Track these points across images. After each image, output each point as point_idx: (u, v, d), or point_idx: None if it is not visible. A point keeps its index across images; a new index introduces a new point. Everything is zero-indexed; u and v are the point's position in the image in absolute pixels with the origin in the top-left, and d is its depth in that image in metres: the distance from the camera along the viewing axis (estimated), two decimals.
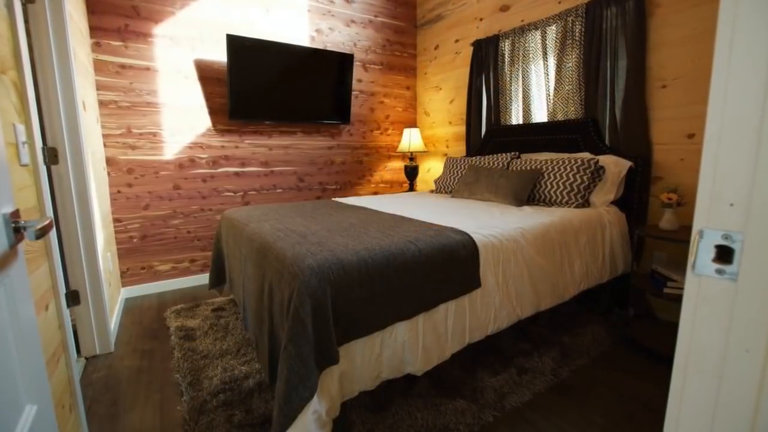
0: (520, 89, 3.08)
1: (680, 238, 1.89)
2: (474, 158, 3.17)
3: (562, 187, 2.40)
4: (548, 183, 2.47)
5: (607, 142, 2.53)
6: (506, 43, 3.12)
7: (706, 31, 2.06)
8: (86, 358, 2.03)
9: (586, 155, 2.49)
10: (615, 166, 2.35)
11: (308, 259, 1.32)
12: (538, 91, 2.99)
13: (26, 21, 1.69)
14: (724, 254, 0.52)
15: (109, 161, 2.74)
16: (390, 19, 3.97)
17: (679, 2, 2.15)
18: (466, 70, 3.53)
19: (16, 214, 0.75)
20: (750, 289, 0.50)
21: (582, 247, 2.11)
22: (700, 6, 2.07)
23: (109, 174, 2.75)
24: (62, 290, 1.38)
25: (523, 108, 3.07)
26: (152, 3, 2.79)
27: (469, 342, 1.66)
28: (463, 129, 3.70)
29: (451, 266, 1.56)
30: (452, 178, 3.22)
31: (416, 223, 1.88)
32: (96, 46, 2.63)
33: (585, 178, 2.33)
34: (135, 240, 2.89)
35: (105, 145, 2.71)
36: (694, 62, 2.12)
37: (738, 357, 0.52)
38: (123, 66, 2.73)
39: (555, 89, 2.81)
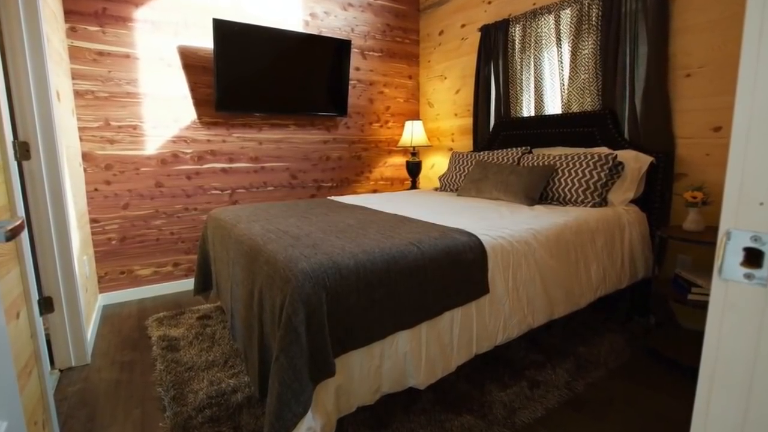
0: (532, 78, 3.08)
1: (706, 240, 1.89)
2: (482, 153, 3.17)
3: (577, 185, 2.40)
4: (562, 180, 2.47)
5: (626, 135, 2.54)
6: (517, 28, 3.12)
7: (734, 15, 2.06)
8: (60, 371, 2.03)
9: (604, 150, 2.50)
10: (635, 161, 2.35)
11: (302, 263, 1.32)
12: (551, 81, 2.99)
13: None
14: (754, 257, 0.52)
15: (86, 156, 2.74)
16: (390, 3, 3.97)
17: None
18: (473, 58, 3.53)
19: None
20: None
21: (599, 249, 2.11)
22: None
23: (85, 170, 2.75)
24: (35, 297, 1.38)
25: (535, 99, 3.07)
26: None
27: (476, 353, 1.66)
28: (469, 121, 3.70)
29: (457, 271, 1.56)
30: (458, 174, 3.22)
31: (419, 223, 1.88)
32: (71, 32, 2.63)
33: (602, 174, 2.33)
34: (114, 242, 2.89)
35: (81, 139, 2.71)
36: (720, 49, 2.12)
37: None
38: (101, 53, 2.73)
39: (570, 78, 2.81)
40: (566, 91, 2.85)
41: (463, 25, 3.69)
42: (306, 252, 1.42)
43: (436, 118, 4.13)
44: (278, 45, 3.24)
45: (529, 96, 3.14)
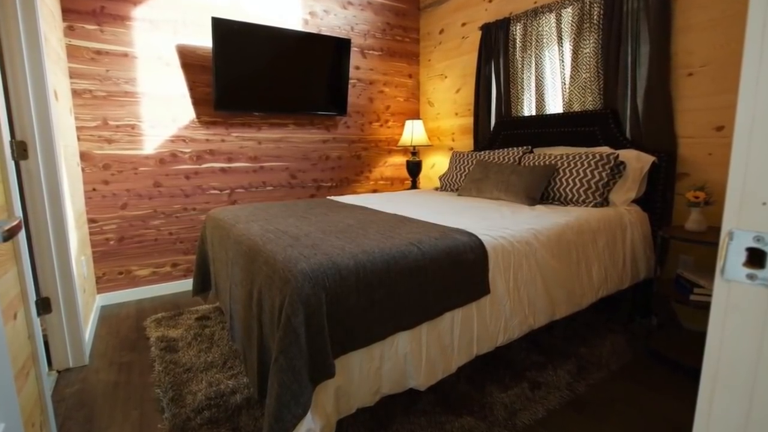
0: (533, 77, 3.08)
1: (708, 240, 1.89)
2: (482, 153, 3.17)
3: (578, 185, 2.40)
4: (564, 180, 2.47)
5: (627, 135, 2.54)
6: (518, 27, 3.12)
7: (736, 14, 2.06)
8: (58, 372, 2.03)
9: (605, 149, 2.50)
10: (636, 161, 2.35)
11: (301, 263, 1.32)
12: (552, 80, 2.99)
13: None
14: (756, 258, 0.52)
15: (84, 156, 2.74)
16: (390, 1, 3.97)
17: None
18: (474, 57, 3.53)
19: None
20: None
21: (600, 250, 2.11)
22: None
23: (83, 170, 2.75)
24: (32, 297, 1.38)
25: (536, 98, 3.07)
26: None
27: (477, 354, 1.66)
28: (470, 121, 3.70)
29: (458, 271, 1.56)
30: (458, 174, 3.22)
31: (419, 223, 1.88)
32: (69, 30, 2.63)
33: (604, 174, 2.33)
34: (112, 242, 2.89)
35: (79, 139, 2.71)
36: (723, 48, 2.12)
37: None
38: (98, 52, 2.73)
39: (571, 77, 2.81)
40: (567, 91, 2.85)
41: (463, 24, 3.69)
42: (305, 252, 1.42)
43: (436, 118, 4.13)
44: (277, 44, 3.24)
45: (530, 95, 3.15)
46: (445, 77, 3.97)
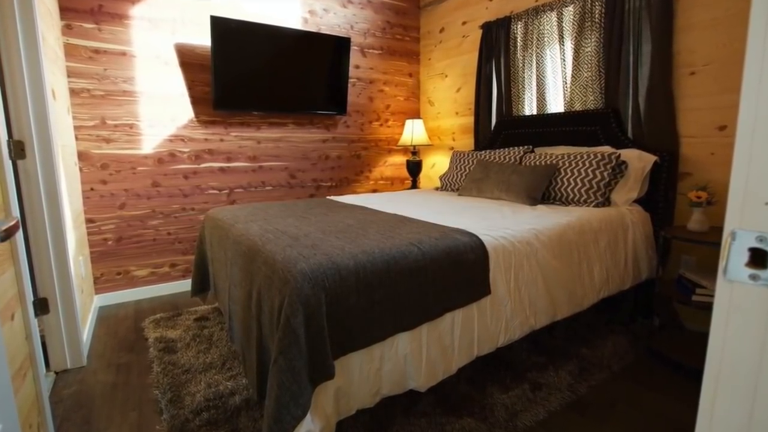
0: (534, 76, 3.08)
1: (710, 240, 1.89)
2: (483, 152, 3.17)
3: (580, 184, 2.40)
4: (565, 180, 2.47)
5: (629, 134, 2.54)
6: (519, 26, 3.12)
7: (739, 12, 2.06)
8: (56, 373, 2.02)
9: (607, 149, 2.50)
10: (638, 161, 2.35)
11: (300, 264, 1.32)
12: (553, 79, 2.99)
13: None
14: (759, 258, 0.52)
15: (82, 156, 2.74)
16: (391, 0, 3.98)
17: None
18: (475, 56, 3.53)
19: None
20: None
21: (602, 250, 2.11)
22: None
23: (81, 170, 2.75)
24: (29, 298, 1.38)
25: (538, 97, 3.07)
26: None
27: (477, 355, 1.66)
28: (471, 120, 3.70)
29: (458, 271, 1.56)
30: (459, 174, 3.22)
31: (419, 223, 1.88)
32: (67, 29, 2.63)
33: (605, 174, 2.33)
34: (110, 242, 2.89)
35: (77, 138, 2.71)
36: (726, 46, 2.12)
37: None
38: (96, 51, 2.73)
39: (572, 77, 2.81)
40: (569, 90, 2.85)
41: (464, 23, 3.69)
42: (305, 252, 1.42)
43: (436, 117, 4.13)
44: (277, 43, 3.24)
45: (531, 94, 3.15)
46: (446, 76, 3.97)
